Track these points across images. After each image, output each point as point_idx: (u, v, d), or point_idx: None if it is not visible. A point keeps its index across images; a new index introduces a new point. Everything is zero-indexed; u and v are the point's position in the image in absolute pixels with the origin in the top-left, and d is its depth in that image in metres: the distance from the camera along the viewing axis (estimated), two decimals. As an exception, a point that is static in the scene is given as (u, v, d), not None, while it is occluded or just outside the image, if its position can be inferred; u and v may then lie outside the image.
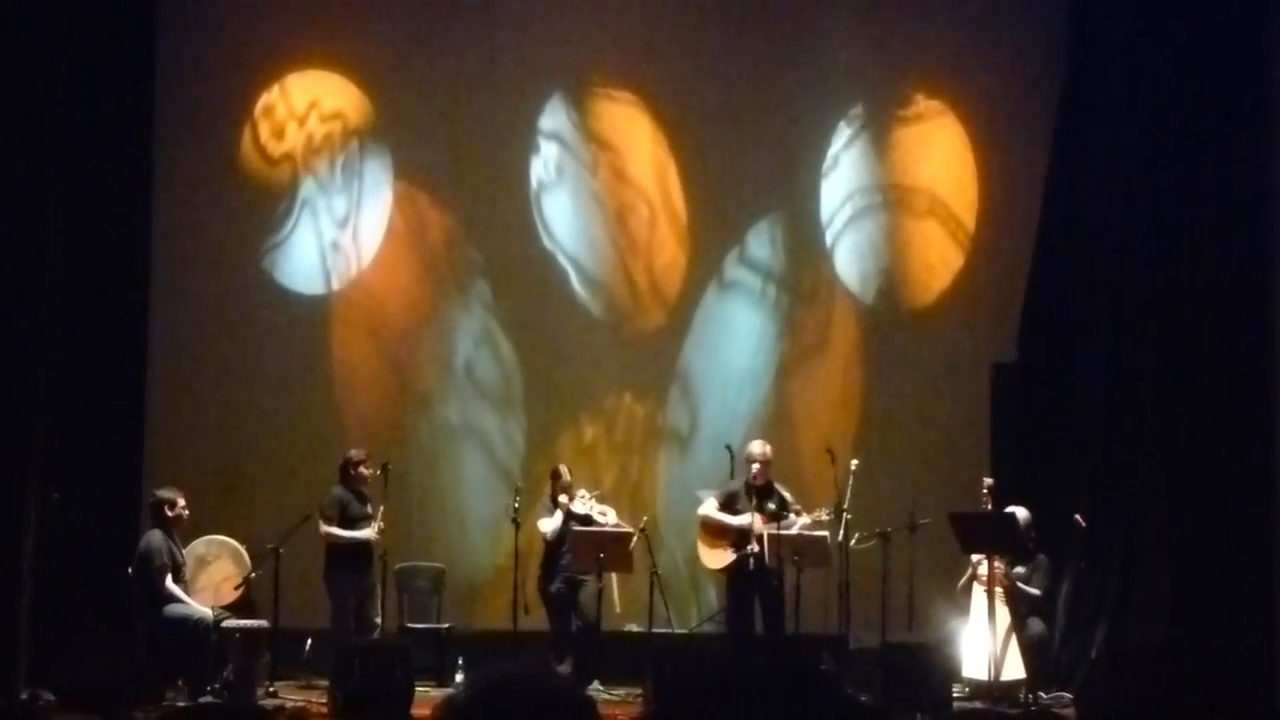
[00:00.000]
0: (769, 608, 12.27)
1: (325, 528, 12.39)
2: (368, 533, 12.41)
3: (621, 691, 12.23)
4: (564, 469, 13.02)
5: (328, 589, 12.39)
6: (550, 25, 14.27)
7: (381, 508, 12.48)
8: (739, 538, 12.35)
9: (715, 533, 12.54)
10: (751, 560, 12.25)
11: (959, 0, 14.22)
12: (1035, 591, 12.06)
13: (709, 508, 12.55)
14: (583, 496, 12.78)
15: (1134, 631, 12.41)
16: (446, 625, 13.18)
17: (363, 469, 12.55)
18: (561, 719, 2.79)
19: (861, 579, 12.15)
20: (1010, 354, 13.55)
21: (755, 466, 12.43)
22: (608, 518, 12.68)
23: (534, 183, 14.27)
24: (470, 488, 14.06)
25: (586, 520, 12.63)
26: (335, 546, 12.41)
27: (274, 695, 11.71)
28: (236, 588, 12.09)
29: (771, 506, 12.28)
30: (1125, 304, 12.89)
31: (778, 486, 12.45)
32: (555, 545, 12.69)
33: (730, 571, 12.49)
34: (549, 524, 12.68)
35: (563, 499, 12.71)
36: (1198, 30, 12.61)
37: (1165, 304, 12.62)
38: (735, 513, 12.40)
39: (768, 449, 12.53)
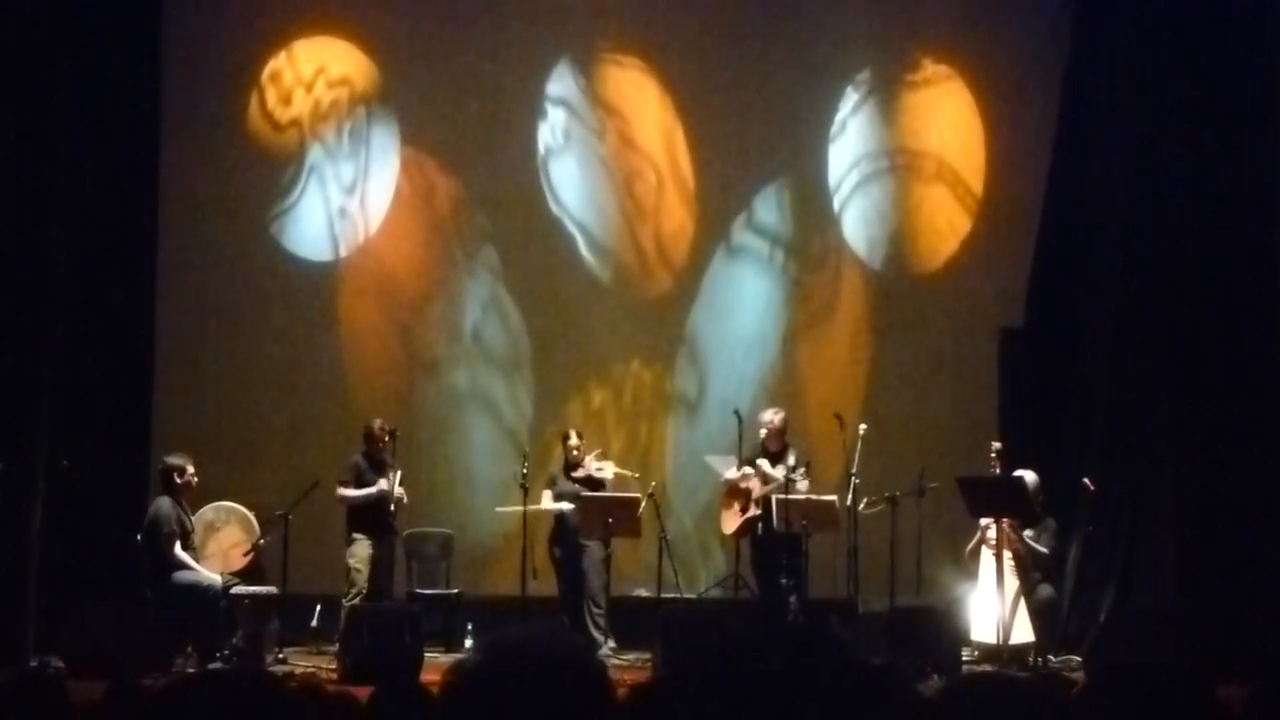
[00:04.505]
0: (784, 573, 12.29)
1: (340, 491, 12.42)
2: (379, 485, 12.38)
3: (630, 656, 12.27)
4: (572, 435, 13.01)
5: (349, 550, 12.39)
6: (557, -10, 14.25)
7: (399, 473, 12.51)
8: (745, 501, 12.47)
9: (728, 496, 12.65)
10: (760, 525, 12.37)
11: (966, -36, 14.18)
12: (1044, 550, 12.05)
13: (729, 473, 12.62)
14: (585, 464, 12.80)
15: (1142, 594, 12.43)
16: (455, 591, 13.19)
17: (379, 436, 12.56)
18: (572, 683, 2.79)
19: (870, 543, 12.13)
20: (1018, 318, 13.52)
21: (761, 432, 12.56)
22: (605, 473, 12.69)
23: (541, 149, 14.24)
24: (478, 454, 14.06)
25: (593, 484, 12.66)
26: (356, 510, 12.44)
27: (283, 661, 11.73)
28: (245, 554, 12.10)
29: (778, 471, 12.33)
30: (1132, 266, 12.85)
31: (791, 451, 12.48)
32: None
33: (740, 536, 12.57)
34: (546, 502, 12.74)
35: (577, 470, 12.76)
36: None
37: (1173, 267, 12.59)
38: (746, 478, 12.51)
39: (776, 416, 12.61)
